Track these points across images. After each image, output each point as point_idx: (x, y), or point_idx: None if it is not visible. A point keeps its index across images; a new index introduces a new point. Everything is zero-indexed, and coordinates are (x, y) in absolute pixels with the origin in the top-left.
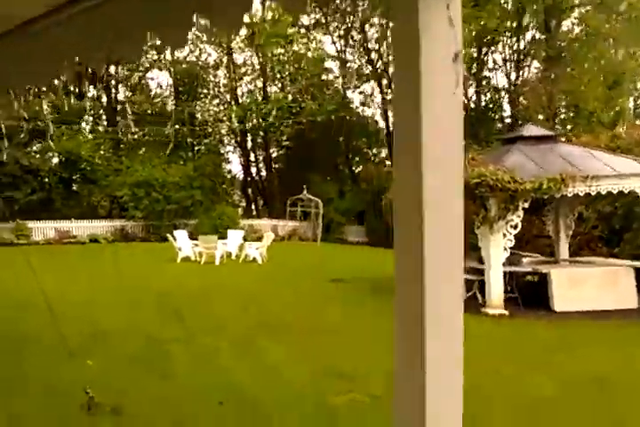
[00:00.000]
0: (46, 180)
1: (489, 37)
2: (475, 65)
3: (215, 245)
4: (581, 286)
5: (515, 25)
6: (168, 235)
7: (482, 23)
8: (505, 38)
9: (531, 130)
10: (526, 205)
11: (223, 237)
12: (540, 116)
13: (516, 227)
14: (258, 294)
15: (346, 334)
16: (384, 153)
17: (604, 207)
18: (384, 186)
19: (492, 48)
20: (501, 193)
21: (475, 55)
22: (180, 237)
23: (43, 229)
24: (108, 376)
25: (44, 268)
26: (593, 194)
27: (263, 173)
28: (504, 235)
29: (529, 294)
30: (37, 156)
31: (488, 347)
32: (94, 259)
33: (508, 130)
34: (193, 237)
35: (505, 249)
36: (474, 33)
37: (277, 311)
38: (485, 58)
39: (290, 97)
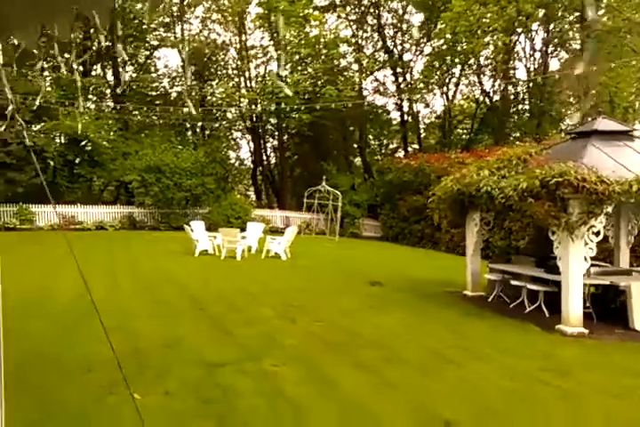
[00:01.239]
0: (50, 162)
1: (523, 22)
2: (501, 55)
3: (237, 239)
4: None
5: (544, 13)
6: (185, 225)
7: (515, 8)
8: (535, 26)
9: (606, 124)
10: (610, 210)
11: (239, 228)
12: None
13: (598, 234)
14: (299, 300)
15: (423, 355)
16: (394, 144)
17: None
18: (402, 179)
19: (521, 37)
20: (587, 195)
21: (504, 43)
22: (198, 229)
23: (47, 213)
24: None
25: (63, 260)
26: None
27: (273, 161)
28: (585, 243)
29: (596, 308)
30: (42, 135)
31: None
32: (108, 250)
33: (537, 124)
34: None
35: (585, 259)
36: (506, 18)
37: (332, 323)
38: (513, 46)
39: (305, 81)
